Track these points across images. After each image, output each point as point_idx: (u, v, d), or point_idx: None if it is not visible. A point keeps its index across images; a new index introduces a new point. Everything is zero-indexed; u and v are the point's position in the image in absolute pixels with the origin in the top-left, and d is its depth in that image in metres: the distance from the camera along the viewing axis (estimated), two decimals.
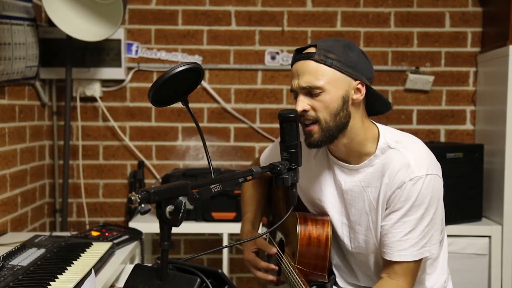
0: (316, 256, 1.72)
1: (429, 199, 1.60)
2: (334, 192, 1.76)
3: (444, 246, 1.77)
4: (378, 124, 1.72)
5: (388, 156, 1.64)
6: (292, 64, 1.67)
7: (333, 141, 1.64)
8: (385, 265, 1.66)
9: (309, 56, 1.60)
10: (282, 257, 1.83)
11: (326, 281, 1.75)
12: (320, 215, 1.79)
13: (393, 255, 1.62)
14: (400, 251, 1.61)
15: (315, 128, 1.62)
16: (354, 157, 1.69)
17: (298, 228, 1.72)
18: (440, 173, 1.65)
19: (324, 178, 1.77)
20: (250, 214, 2.00)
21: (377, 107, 1.72)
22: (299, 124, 1.61)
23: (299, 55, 1.64)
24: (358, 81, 1.62)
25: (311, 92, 1.60)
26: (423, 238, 1.62)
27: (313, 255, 1.72)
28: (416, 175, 1.59)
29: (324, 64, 1.59)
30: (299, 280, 1.66)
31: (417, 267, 1.65)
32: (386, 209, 1.64)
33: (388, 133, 1.68)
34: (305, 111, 1.61)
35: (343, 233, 1.76)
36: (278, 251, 1.88)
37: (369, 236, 1.69)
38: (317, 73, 1.59)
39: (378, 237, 1.67)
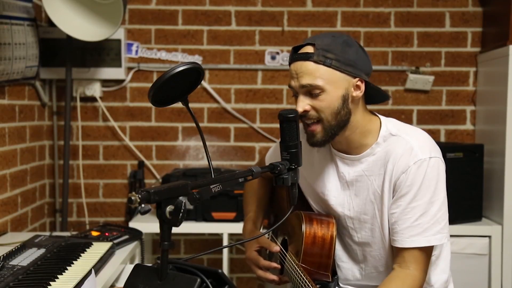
0: (321, 255, 1.73)
1: (436, 182, 1.61)
2: (337, 185, 1.76)
3: (447, 244, 1.77)
4: (380, 116, 1.73)
5: (390, 143, 1.66)
6: (290, 63, 1.66)
7: (334, 138, 1.65)
8: (396, 254, 1.66)
9: (308, 57, 1.60)
10: (286, 255, 1.83)
11: (329, 280, 1.75)
12: (326, 216, 1.80)
13: (405, 242, 1.61)
14: (412, 237, 1.60)
15: (317, 128, 1.63)
16: (356, 148, 1.70)
17: (303, 227, 1.73)
18: (442, 157, 1.66)
19: (327, 172, 1.78)
20: (252, 213, 2.01)
21: (375, 98, 1.74)
22: (300, 124, 1.61)
23: (297, 54, 1.63)
24: (357, 78, 1.63)
25: (311, 92, 1.61)
26: (437, 223, 1.61)
27: (318, 254, 1.73)
28: (420, 158, 1.60)
29: (323, 64, 1.59)
30: (304, 277, 1.66)
31: (428, 255, 1.64)
32: (393, 196, 1.64)
33: (390, 123, 1.71)
34: (306, 111, 1.61)
35: (347, 225, 1.77)
36: (281, 249, 1.88)
37: (375, 225, 1.70)
38: (316, 74, 1.59)
39: (384, 225, 1.68)
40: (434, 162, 1.62)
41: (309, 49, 1.62)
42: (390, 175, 1.64)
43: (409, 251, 1.62)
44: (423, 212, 1.60)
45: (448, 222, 1.68)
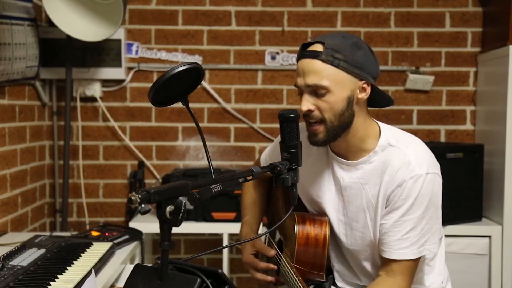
0: (314, 256, 1.73)
1: (429, 198, 1.60)
2: (332, 189, 1.75)
3: (442, 247, 1.77)
4: (379, 122, 1.72)
5: (388, 153, 1.64)
6: (298, 59, 1.64)
7: (336, 139, 1.64)
8: (383, 263, 1.66)
9: (316, 55, 1.58)
10: (281, 257, 1.84)
11: (324, 280, 1.75)
12: (319, 215, 1.79)
13: (393, 254, 1.62)
14: (400, 249, 1.61)
15: (320, 128, 1.61)
16: (353, 152, 1.69)
17: (296, 228, 1.73)
18: (439, 172, 1.65)
19: (322, 175, 1.77)
20: (249, 216, 2.00)
21: (379, 102, 1.72)
22: (302, 123, 1.60)
23: (306, 52, 1.61)
24: (363, 81, 1.61)
25: (316, 91, 1.59)
26: (423, 237, 1.62)
27: (311, 254, 1.73)
28: (416, 173, 1.59)
29: (331, 64, 1.57)
30: (297, 279, 1.67)
31: (415, 265, 1.65)
32: (386, 207, 1.64)
33: (389, 131, 1.69)
34: (310, 111, 1.60)
35: (339, 230, 1.76)
36: (277, 251, 1.88)
37: (366, 233, 1.70)
38: (323, 73, 1.57)
39: (375, 235, 1.67)
40: (430, 178, 1.60)
41: (318, 47, 1.60)
42: (386, 187, 1.63)
43: (396, 262, 1.62)
44: (413, 227, 1.61)
45: (439, 232, 1.68)
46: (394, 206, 1.62)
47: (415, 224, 1.61)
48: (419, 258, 1.65)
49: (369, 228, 1.68)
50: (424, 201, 1.60)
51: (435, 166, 1.64)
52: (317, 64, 1.58)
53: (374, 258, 1.72)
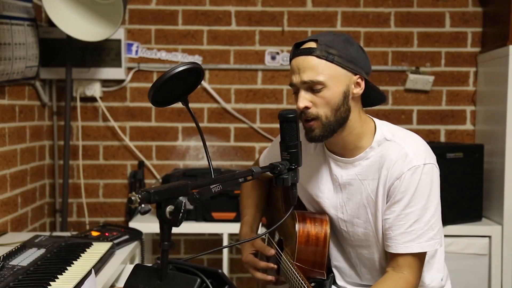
0: (315, 254, 1.73)
1: (430, 188, 1.61)
2: (330, 187, 1.76)
3: (441, 245, 1.77)
4: (374, 118, 1.73)
5: (384, 148, 1.65)
6: (291, 59, 1.65)
7: (333, 135, 1.65)
8: (390, 259, 1.66)
9: (311, 52, 1.60)
10: (281, 255, 1.84)
11: (324, 278, 1.75)
12: (319, 214, 1.80)
13: (398, 248, 1.62)
14: (405, 243, 1.61)
15: (315, 123, 1.62)
16: (350, 150, 1.69)
17: (297, 226, 1.73)
18: (436, 163, 1.66)
19: (320, 174, 1.78)
20: (248, 216, 2.01)
21: (373, 99, 1.73)
22: (299, 121, 1.61)
23: (299, 50, 1.63)
24: (358, 76, 1.63)
25: (312, 87, 1.60)
26: (431, 229, 1.61)
27: (312, 252, 1.73)
28: (414, 164, 1.60)
29: (326, 59, 1.59)
30: (298, 276, 1.67)
31: (422, 259, 1.65)
32: (387, 202, 1.64)
33: (385, 127, 1.70)
34: (306, 108, 1.61)
35: (341, 227, 1.77)
36: (277, 250, 1.88)
37: (368, 229, 1.70)
38: (318, 69, 1.58)
39: (378, 230, 1.67)
40: (428, 168, 1.61)
41: (311, 44, 1.62)
42: (384, 181, 1.63)
43: (402, 256, 1.62)
44: (417, 219, 1.60)
45: (441, 227, 1.68)
46: (394, 200, 1.62)
47: (418, 216, 1.60)
48: (425, 252, 1.64)
49: (371, 223, 1.69)
50: (424, 192, 1.60)
51: (432, 157, 1.66)
52: (312, 60, 1.59)
53: (378, 254, 1.72)
